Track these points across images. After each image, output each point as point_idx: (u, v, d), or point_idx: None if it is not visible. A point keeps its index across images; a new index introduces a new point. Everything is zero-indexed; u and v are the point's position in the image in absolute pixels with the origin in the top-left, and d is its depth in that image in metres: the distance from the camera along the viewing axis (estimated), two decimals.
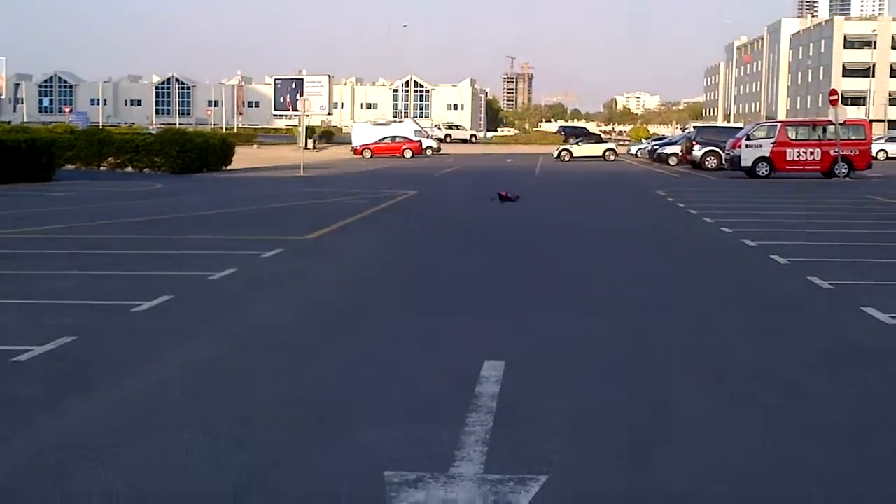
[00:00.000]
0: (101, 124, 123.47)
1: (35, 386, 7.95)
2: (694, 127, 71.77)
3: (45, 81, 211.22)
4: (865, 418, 7.10)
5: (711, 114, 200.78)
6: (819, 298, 12.33)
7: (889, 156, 71.76)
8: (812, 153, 43.88)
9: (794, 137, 44.58)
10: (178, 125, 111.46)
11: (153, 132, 59.60)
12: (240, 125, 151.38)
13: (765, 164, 44.06)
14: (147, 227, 21.56)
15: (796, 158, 43.96)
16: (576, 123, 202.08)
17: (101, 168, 48.96)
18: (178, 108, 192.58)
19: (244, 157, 60.72)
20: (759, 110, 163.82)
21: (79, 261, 15.44)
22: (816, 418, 7.10)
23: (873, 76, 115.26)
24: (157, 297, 11.77)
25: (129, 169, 49.01)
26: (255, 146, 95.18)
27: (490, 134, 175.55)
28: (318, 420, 7.01)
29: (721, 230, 20.52)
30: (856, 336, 9.99)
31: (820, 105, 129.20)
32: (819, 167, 43.86)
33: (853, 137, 44.41)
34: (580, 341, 9.75)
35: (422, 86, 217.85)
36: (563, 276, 14.46)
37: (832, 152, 43.47)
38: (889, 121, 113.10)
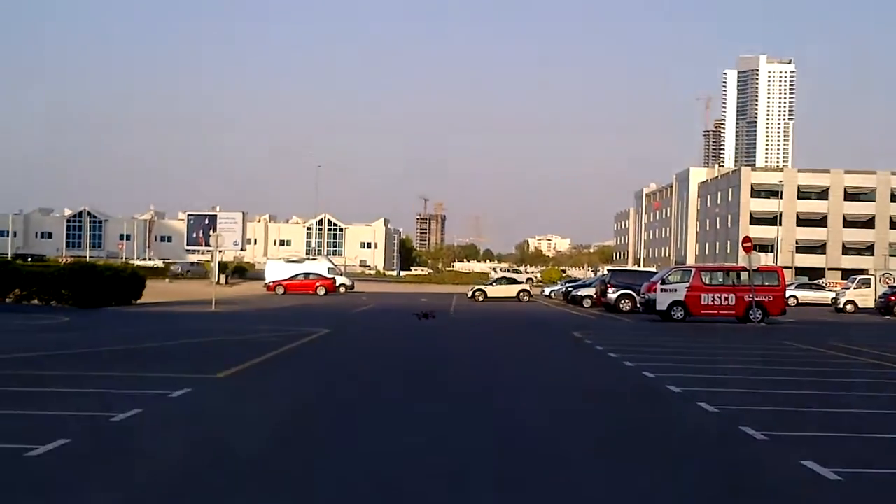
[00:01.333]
0: (9, 255, 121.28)
1: None
2: (608, 270, 72.29)
3: None
4: None
5: (622, 257, 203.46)
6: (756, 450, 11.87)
7: (799, 302, 72.80)
8: (727, 298, 44.10)
9: (708, 282, 44.82)
10: (88, 258, 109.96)
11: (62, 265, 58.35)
12: (151, 260, 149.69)
13: (680, 308, 44.15)
14: (49, 363, 20.54)
15: (711, 303, 44.13)
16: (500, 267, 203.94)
17: (7, 300, 47.56)
18: (89, 241, 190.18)
19: (156, 292, 59.60)
20: (669, 255, 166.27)
21: None
22: None
23: (780, 224, 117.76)
24: (54, 441, 10.92)
25: (36, 301, 47.72)
26: (167, 280, 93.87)
27: (403, 273, 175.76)
28: None
29: (643, 374, 20.13)
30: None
31: (728, 251, 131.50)
32: (734, 312, 44.04)
33: (767, 283, 44.76)
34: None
35: (336, 224, 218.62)
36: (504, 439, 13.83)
37: (746, 298, 43.74)
38: (797, 268, 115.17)
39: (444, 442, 12.00)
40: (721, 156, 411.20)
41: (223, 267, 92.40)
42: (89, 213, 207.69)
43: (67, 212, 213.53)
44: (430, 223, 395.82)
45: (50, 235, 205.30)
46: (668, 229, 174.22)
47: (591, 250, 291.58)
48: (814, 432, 13.19)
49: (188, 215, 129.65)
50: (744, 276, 44.75)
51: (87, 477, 9.54)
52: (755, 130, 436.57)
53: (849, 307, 65.58)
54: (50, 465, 9.98)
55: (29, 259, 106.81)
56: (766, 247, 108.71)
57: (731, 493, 9.54)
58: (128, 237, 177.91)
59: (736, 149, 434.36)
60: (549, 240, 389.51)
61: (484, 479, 9.95)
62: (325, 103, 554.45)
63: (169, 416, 13.61)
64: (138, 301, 51.93)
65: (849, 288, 69.34)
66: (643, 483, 9.91)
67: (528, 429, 13.31)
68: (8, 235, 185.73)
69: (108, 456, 10.65)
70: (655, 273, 55.38)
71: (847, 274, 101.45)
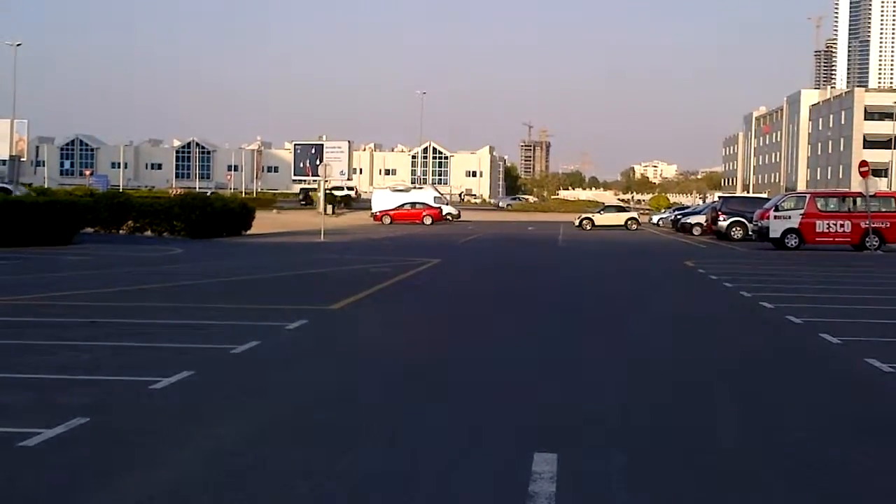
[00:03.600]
0: (121, 187, 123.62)
1: (45, 476, 7.19)
2: (719, 197, 71.12)
3: (67, 144, 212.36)
4: None
5: (730, 183, 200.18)
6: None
7: None
8: (842, 225, 43.14)
9: (823, 209, 43.88)
10: (197, 189, 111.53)
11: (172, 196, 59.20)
12: (259, 189, 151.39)
13: (794, 235, 43.28)
14: (165, 295, 20.84)
15: (826, 230, 43.20)
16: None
17: (121, 231, 48.46)
18: (198, 172, 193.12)
19: (264, 223, 60.19)
20: (779, 181, 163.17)
21: (91, 331, 14.67)
22: None
23: (895, 148, 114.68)
24: (178, 373, 11.04)
25: (149, 233, 48.53)
26: (275, 211, 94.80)
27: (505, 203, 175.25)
28: None
29: (761, 305, 19.76)
30: None
31: (840, 176, 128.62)
32: (849, 240, 43.07)
33: (884, 210, 43.64)
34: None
35: (440, 152, 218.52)
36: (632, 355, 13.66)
37: (863, 225, 42.71)
38: None
39: (579, 353, 11.86)
40: (833, 77, 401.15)
41: (331, 197, 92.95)
42: (198, 144, 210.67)
43: (176, 143, 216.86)
44: (534, 150, 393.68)
45: (160, 167, 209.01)
46: (778, 154, 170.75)
47: (699, 176, 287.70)
48: None
49: (294, 145, 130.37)
50: (860, 202, 43.69)
51: (219, 407, 9.61)
52: (868, 50, 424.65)
53: None
54: (174, 398, 10.07)
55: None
56: (881, 171, 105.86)
57: (863, 430, 9.25)
58: (235, 168, 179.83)
59: (848, 70, 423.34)
60: (656, 166, 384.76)
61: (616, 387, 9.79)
62: (429, 28, 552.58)
63: (287, 347, 13.67)
64: (248, 232, 52.47)
65: None
66: (775, 413, 9.67)
67: (659, 365, 13.09)
68: (119, 167, 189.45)
69: (232, 386, 10.72)
70: (767, 200, 54.32)
71: None
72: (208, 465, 7.62)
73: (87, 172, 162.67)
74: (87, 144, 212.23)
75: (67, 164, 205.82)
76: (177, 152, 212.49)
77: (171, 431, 8.68)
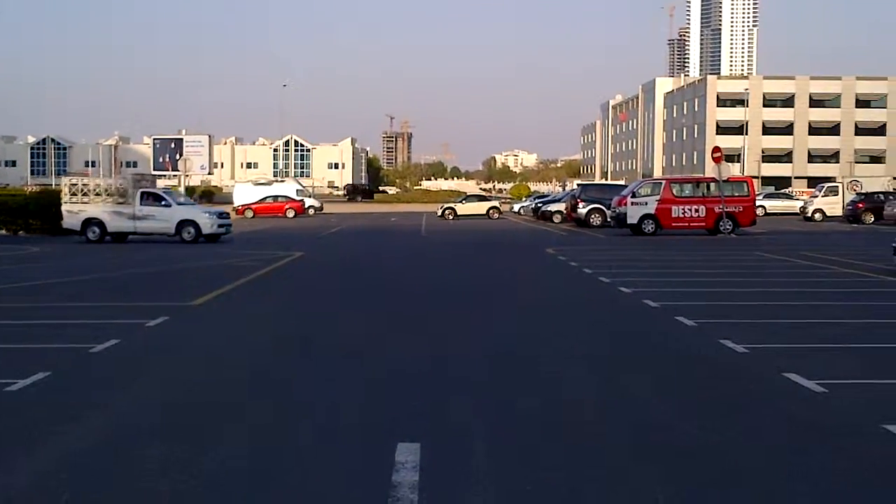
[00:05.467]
0: None
1: None
2: (578, 185, 72.24)
3: None
4: None
5: (589, 171, 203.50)
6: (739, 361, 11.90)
7: (767, 212, 73.11)
8: (697, 210, 44.22)
9: (678, 195, 44.89)
10: (54, 186, 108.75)
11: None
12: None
13: (650, 221, 44.22)
14: (21, 294, 20.33)
15: (681, 216, 44.23)
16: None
17: None
18: (54, 168, 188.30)
19: None
20: (636, 168, 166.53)
21: None
22: None
23: (746, 133, 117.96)
24: (33, 374, 10.82)
25: (3, 231, 47.23)
26: None
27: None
28: None
29: (620, 290, 20.19)
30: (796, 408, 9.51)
31: (695, 162, 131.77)
32: (704, 224, 44.18)
33: (737, 194, 44.90)
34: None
35: (302, 145, 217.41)
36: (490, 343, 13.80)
37: (717, 209, 43.86)
38: (763, 177, 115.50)
39: (444, 348, 11.97)
40: (686, 65, 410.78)
41: (190, 191, 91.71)
42: (53, 140, 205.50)
43: (31, 139, 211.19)
44: (396, 141, 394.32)
45: (14, 164, 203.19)
46: (634, 141, 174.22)
47: (559, 165, 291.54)
48: (793, 343, 13.23)
49: (154, 139, 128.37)
50: (713, 187, 44.83)
51: (70, 410, 9.44)
52: (719, 39, 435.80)
53: (817, 216, 65.89)
54: (30, 400, 9.86)
55: None
56: (733, 157, 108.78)
57: (731, 410, 9.55)
58: (93, 163, 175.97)
59: (701, 58, 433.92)
60: (516, 155, 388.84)
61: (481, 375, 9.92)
62: (290, 22, 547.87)
63: (147, 345, 13.49)
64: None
65: (816, 196, 69.60)
66: (632, 389, 9.91)
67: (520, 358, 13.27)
68: None
69: (89, 387, 10.54)
70: (625, 187, 55.39)
71: (813, 182, 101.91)
72: (63, 466, 7.49)
73: None
74: None
75: None
76: (31, 149, 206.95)
77: (26, 433, 8.51)
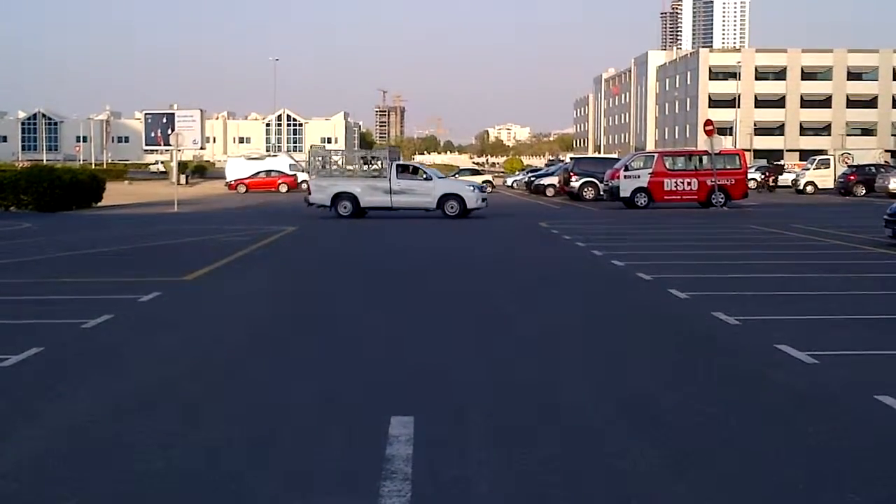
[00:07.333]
0: None
1: None
2: (571, 158, 72.25)
3: None
4: None
5: (582, 145, 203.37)
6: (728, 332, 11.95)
7: (758, 184, 73.19)
8: (689, 183, 44.26)
9: (671, 168, 44.92)
10: (45, 161, 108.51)
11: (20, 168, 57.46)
12: (109, 161, 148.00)
13: (643, 194, 44.27)
14: (13, 270, 20.32)
15: (674, 189, 44.28)
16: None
17: None
18: (45, 144, 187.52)
19: (115, 194, 59.03)
20: (629, 141, 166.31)
21: None
22: None
23: (738, 107, 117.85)
24: (26, 350, 10.83)
25: None
26: (127, 182, 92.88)
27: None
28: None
29: (613, 263, 20.23)
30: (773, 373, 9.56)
31: (688, 135, 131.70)
32: (696, 197, 44.26)
33: (729, 167, 44.94)
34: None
35: (295, 119, 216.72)
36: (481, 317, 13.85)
37: (709, 182, 43.90)
38: (755, 150, 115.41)
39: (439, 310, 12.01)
40: (679, 38, 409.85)
41: (183, 167, 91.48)
42: (44, 115, 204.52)
43: (21, 114, 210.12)
44: (389, 116, 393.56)
45: (5, 139, 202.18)
46: (627, 115, 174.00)
47: (552, 138, 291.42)
48: (784, 316, 13.28)
49: (145, 114, 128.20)
50: (706, 160, 44.85)
51: (71, 383, 9.45)
52: (712, 12, 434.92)
53: (809, 188, 66.05)
54: (24, 375, 9.88)
55: None
56: (725, 130, 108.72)
57: (722, 381, 9.60)
58: (84, 139, 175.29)
59: (693, 31, 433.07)
60: (509, 129, 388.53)
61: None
62: None
63: (141, 320, 13.50)
64: (99, 204, 51.43)
65: (808, 169, 69.71)
66: (624, 361, 9.96)
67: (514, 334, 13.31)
68: None
69: (84, 362, 10.55)
70: (618, 160, 55.40)
71: (805, 155, 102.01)
72: (61, 440, 7.51)
73: None
74: None
75: None
76: (22, 124, 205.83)
77: (23, 407, 8.53)
